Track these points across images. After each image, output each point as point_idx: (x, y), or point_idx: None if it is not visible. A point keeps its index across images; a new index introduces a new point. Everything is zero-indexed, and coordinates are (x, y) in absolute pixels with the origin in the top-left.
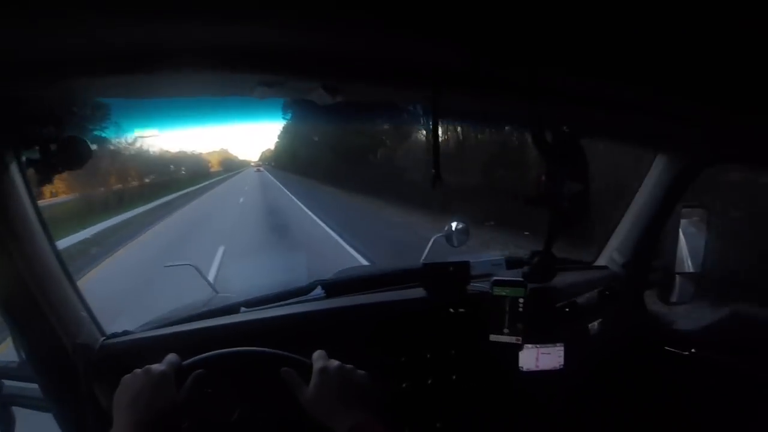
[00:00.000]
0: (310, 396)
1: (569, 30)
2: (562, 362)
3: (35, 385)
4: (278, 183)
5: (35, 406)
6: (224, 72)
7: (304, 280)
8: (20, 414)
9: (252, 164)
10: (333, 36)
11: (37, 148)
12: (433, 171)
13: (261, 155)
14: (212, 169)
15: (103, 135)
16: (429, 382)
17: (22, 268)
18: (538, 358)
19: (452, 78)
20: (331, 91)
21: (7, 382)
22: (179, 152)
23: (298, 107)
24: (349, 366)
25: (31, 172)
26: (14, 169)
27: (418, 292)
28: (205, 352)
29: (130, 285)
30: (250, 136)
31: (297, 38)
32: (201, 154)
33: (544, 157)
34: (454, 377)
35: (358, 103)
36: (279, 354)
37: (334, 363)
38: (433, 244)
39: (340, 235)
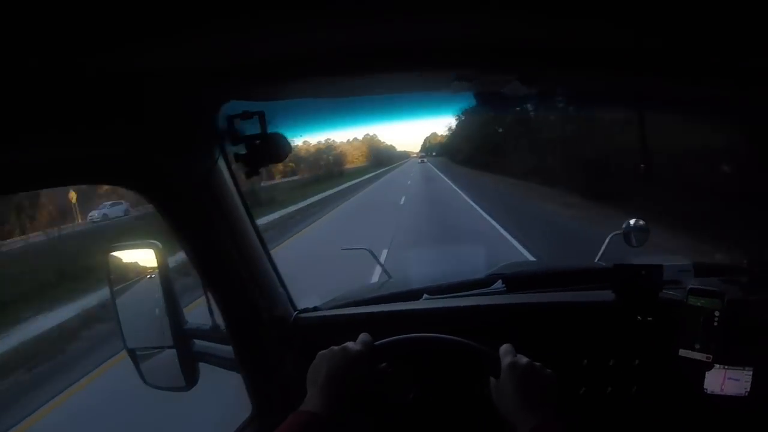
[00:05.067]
0: (497, 389)
1: None
2: (747, 389)
3: (224, 347)
4: None
5: (223, 365)
6: (426, 69)
7: (478, 272)
8: (205, 369)
9: (414, 155)
10: (533, 25)
11: (243, 144)
12: (642, 165)
13: (424, 143)
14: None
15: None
16: (608, 390)
17: (231, 247)
18: (724, 381)
19: (655, 63)
20: (527, 82)
21: (198, 342)
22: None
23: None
24: (538, 364)
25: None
26: (222, 162)
27: (606, 295)
28: (389, 335)
29: (308, 263)
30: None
31: (496, 30)
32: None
33: (756, 148)
34: (634, 389)
35: (547, 93)
36: (468, 344)
37: (524, 359)
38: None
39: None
